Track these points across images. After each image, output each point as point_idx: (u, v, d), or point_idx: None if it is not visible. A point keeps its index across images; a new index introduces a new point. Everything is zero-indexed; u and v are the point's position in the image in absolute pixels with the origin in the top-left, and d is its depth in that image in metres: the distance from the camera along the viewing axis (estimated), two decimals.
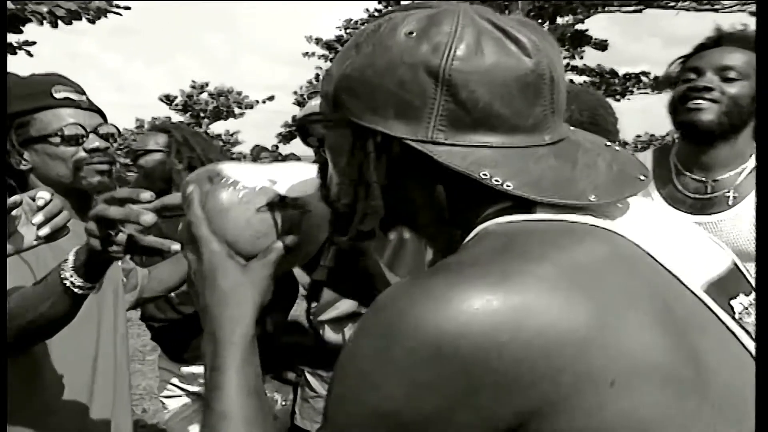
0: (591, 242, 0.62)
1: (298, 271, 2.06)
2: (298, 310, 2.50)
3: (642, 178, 0.69)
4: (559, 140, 0.68)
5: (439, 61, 0.64)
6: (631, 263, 0.62)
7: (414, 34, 0.66)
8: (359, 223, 0.70)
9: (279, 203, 0.83)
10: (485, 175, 0.64)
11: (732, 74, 1.62)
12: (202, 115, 28.31)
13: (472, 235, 0.66)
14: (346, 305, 1.99)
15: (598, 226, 0.64)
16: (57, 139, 1.46)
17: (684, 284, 0.64)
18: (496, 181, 0.64)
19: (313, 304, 2.08)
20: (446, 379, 0.56)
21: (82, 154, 1.49)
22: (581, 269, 0.59)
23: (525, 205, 0.65)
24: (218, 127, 28.95)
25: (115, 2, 7.53)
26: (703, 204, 1.67)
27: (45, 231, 1.12)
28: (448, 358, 0.55)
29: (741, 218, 1.62)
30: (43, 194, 1.13)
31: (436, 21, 0.67)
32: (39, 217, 1.12)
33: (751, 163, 1.66)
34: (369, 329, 0.61)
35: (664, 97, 1.79)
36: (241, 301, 0.77)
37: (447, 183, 0.68)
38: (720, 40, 1.70)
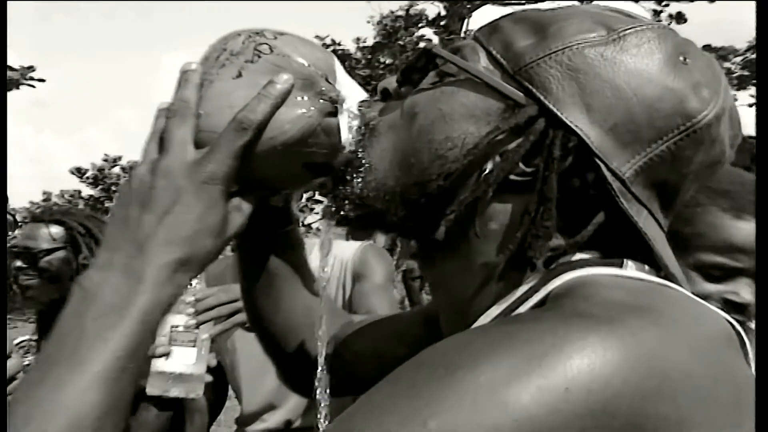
0: (712, 318, 0.53)
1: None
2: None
3: None
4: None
5: (700, 107, 0.55)
6: (738, 350, 0.53)
7: (688, 62, 0.56)
8: (534, 246, 0.54)
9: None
10: (650, 239, 0.55)
11: None
12: (113, 189, 27.65)
13: (563, 281, 0.54)
14: (275, 418, 1.83)
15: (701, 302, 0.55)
16: None
17: None
18: (657, 250, 0.56)
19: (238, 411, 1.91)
20: None
21: None
22: (717, 346, 0.50)
23: (605, 256, 0.57)
24: None
25: (29, 74, 7.41)
26: None
27: None
28: (598, 413, 0.43)
29: None
30: None
31: (711, 63, 0.58)
32: None
33: None
34: (500, 350, 0.45)
35: None
36: (198, 255, 0.58)
37: (572, 222, 0.56)
38: None
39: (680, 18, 14.09)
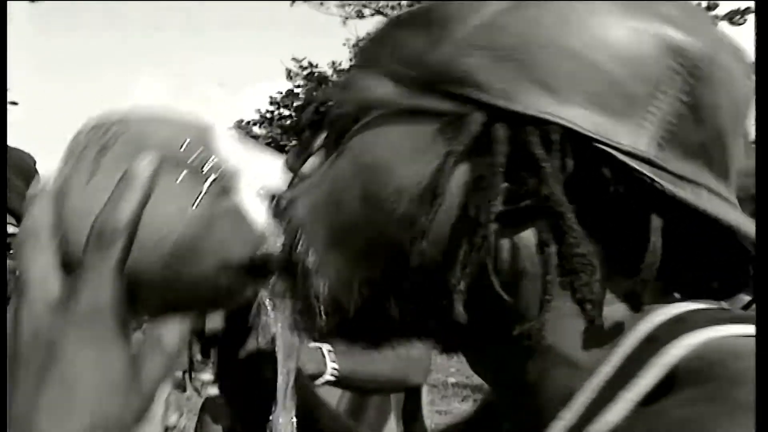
0: None
1: None
2: None
3: None
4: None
5: (689, 39, 0.40)
6: None
7: None
8: (585, 293, 0.37)
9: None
10: (737, 226, 0.39)
11: None
12: None
13: (688, 349, 0.36)
14: None
15: None
16: None
17: None
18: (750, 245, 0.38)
19: None
20: None
21: None
22: None
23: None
24: None
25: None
26: None
27: None
28: None
29: None
30: None
31: None
32: None
33: None
34: None
35: None
36: (107, 424, 0.39)
37: (617, 248, 0.40)
38: None
39: None
